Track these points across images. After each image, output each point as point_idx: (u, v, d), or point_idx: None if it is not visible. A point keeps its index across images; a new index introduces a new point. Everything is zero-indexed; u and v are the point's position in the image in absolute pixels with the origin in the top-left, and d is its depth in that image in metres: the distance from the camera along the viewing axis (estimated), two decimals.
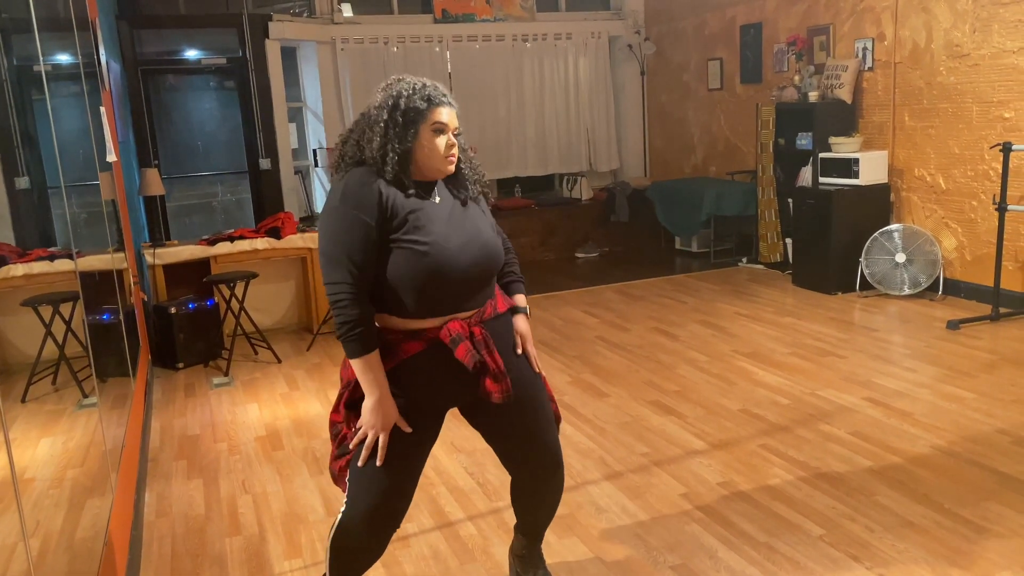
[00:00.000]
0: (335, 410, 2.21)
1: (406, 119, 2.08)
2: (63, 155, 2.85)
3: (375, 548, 2.20)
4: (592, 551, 2.74)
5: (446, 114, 2.12)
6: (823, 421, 3.68)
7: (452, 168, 2.16)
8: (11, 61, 2.52)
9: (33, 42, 2.71)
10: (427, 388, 2.12)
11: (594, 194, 8.60)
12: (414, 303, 2.06)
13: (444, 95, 2.15)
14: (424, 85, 2.13)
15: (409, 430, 2.09)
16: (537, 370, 2.31)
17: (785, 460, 3.31)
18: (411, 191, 2.09)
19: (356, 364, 2.06)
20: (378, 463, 2.07)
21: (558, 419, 2.38)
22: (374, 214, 2.02)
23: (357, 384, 2.12)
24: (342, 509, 2.14)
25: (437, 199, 2.15)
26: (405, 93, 2.09)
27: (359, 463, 2.10)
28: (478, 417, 2.27)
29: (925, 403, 3.82)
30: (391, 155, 2.07)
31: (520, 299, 2.37)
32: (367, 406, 2.07)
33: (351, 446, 2.14)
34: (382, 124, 2.08)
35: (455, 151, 2.15)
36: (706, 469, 3.28)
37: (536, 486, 2.36)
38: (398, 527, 2.19)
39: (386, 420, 2.07)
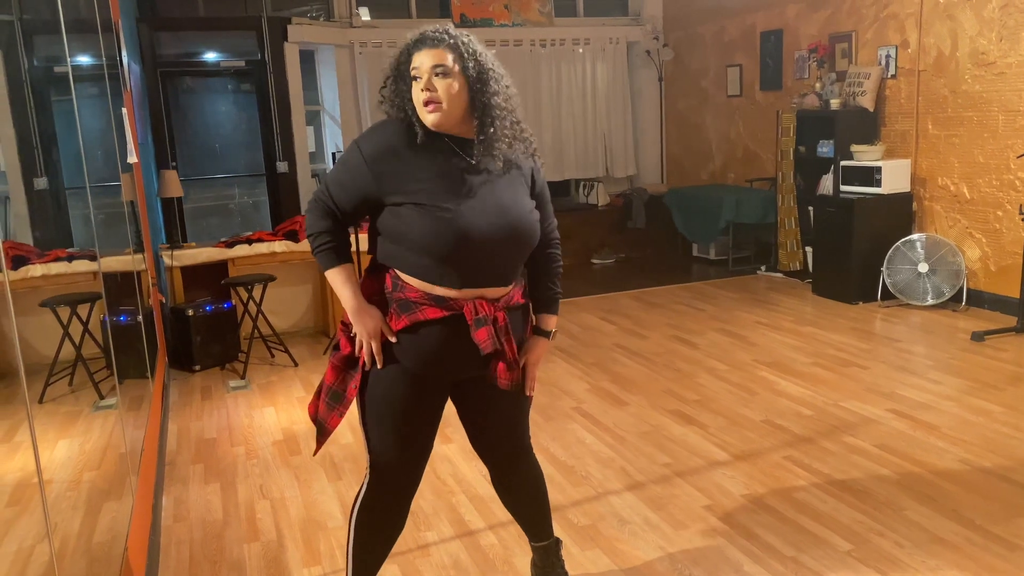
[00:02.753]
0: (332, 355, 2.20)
1: (396, 75, 2.05)
2: (83, 157, 2.84)
3: (397, 514, 2.25)
4: (615, 563, 2.70)
5: (419, 58, 1.99)
6: (847, 433, 3.62)
7: (433, 117, 1.99)
8: (32, 62, 2.51)
9: (53, 43, 2.70)
10: (437, 354, 2.09)
11: (611, 200, 8.55)
12: (438, 270, 2.02)
13: (426, 38, 2.00)
14: (418, 35, 2.03)
15: (394, 339, 2.07)
16: (528, 392, 2.27)
17: (810, 472, 3.26)
18: (426, 143, 2.02)
19: (329, 276, 2.11)
20: (379, 366, 2.09)
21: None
22: (377, 160, 2.02)
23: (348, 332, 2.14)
24: (364, 479, 2.21)
25: (465, 160, 2.04)
26: (398, 51, 2.05)
27: (367, 367, 2.10)
28: (467, 393, 2.24)
29: (951, 416, 3.75)
30: (395, 110, 2.06)
31: (549, 321, 2.27)
32: (350, 317, 2.10)
33: (357, 352, 2.13)
34: (384, 88, 2.09)
35: (429, 95, 1.98)
36: (729, 481, 3.23)
37: (504, 475, 2.40)
38: (415, 490, 2.25)
39: (372, 325, 2.07)
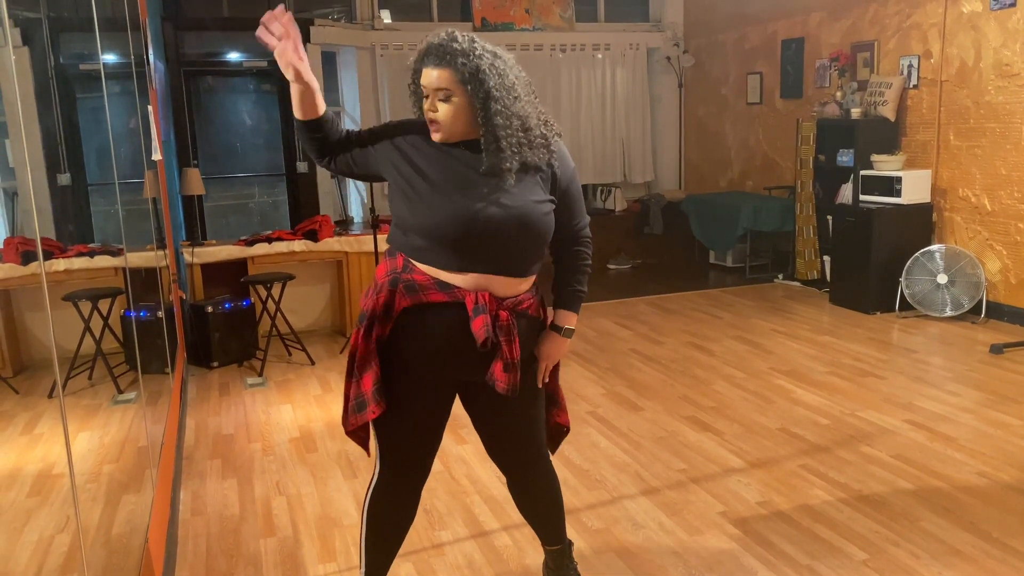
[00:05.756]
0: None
1: (414, 79, 2.09)
2: (107, 153, 2.87)
3: (408, 506, 2.29)
4: (629, 567, 2.70)
5: (426, 76, 2.03)
6: (864, 443, 3.61)
7: (436, 137, 2.05)
8: (58, 59, 2.55)
9: (80, 40, 2.73)
10: (438, 339, 2.09)
11: (628, 205, 8.56)
12: (443, 254, 2.04)
13: (431, 52, 2.01)
14: (425, 46, 2.04)
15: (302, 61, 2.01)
16: (539, 384, 2.27)
17: (826, 481, 3.25)
18: (436, 145, 2.08)
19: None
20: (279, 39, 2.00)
21: (566, 430, 2.42)
22: (403, 136, 2.10)
23: (374, 315, 2.11)
24: (375, 472, 2.25)
25: (477, 161, 2.05)
26: (414, 57, 2.09)
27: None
28: (475, 400, 2.26)
29: (969, 428, 3.73)
30: (418, 111, 2.12)
31: (568, 317, 2.26)
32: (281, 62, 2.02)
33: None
34: (412, 80, 2.13)
35: (432, 116, 2.04)
36: (745, 488, 3.22)
37: (518, 481, 2.42)
38: (424, 483, 2.29)
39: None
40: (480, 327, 2.04)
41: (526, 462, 2.37)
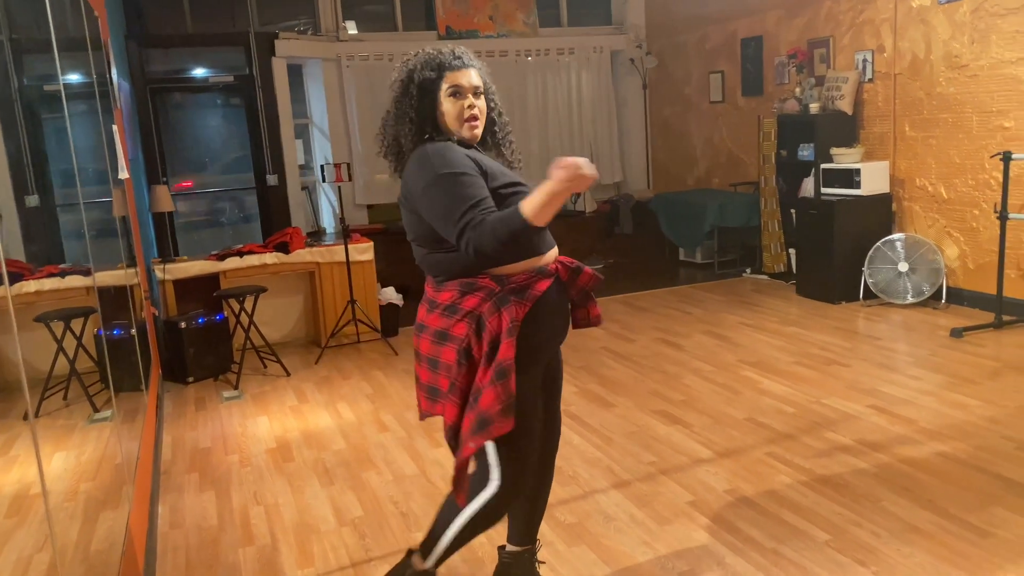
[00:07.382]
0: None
1: (421, 91, 2.18)
2: (73, 173, 2.90)
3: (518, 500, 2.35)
4: (601, 559, 2.77)
5: (461, 77, 2.18)
6: (828, 429, 3.71)
7: (473, 132, 2.21)
8: (22, 80, 2.58)
9: (43, 61, 2.76)
10: (552, 323, 2.23)
11: (598, 207, 8.65)
12: (531, 242, 2.16)
13: (458, 58, 2.20)
14: (437, 53, 2.20)
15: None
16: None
17: (791, 468, 3.34)
18: (470, 149, 2.22)
19: (528, 208, 1.97)
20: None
21: None
22: (472, 166, 2.12)
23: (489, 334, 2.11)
24: (494, 480, 2.20)
25: (493, 157, 2.31)
26: (417, 66, 2.19)
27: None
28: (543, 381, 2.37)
29: (930, 410, 3.85)
30: (426, 126, 2.18)
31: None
32: (564, 185, 1.98)
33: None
34: (402, 103, 2.19)
35: (475, 112, 2.20)
36: (713, 477, 3.31)
37: (548, 458, 2.49)
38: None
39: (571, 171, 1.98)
40: (592, 274, 2.27)
41: (556, 437, 2.52)
